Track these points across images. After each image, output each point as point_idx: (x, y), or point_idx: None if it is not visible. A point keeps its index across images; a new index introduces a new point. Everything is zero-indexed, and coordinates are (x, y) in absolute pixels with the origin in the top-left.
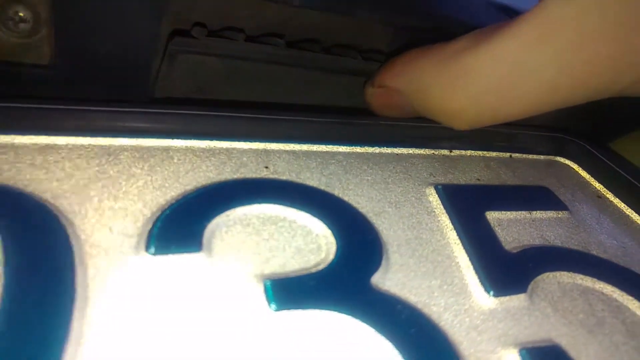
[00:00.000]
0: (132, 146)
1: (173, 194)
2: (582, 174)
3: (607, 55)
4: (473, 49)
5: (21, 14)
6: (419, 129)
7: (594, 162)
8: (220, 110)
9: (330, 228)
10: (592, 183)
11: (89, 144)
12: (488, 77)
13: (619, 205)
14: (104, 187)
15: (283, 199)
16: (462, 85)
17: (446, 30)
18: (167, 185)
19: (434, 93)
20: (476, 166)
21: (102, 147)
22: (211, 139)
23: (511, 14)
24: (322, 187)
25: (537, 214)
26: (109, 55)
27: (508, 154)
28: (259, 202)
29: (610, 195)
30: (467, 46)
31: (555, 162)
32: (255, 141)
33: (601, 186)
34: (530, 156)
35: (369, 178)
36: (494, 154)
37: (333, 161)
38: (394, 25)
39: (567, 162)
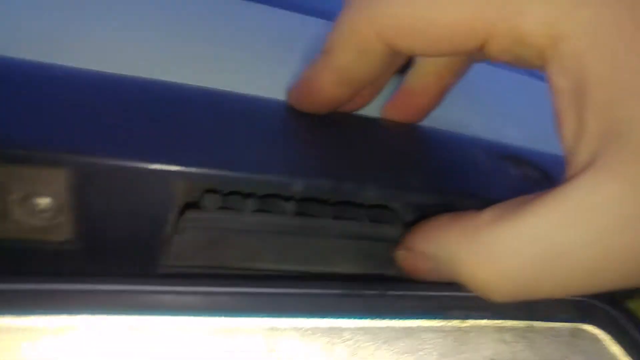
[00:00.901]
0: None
1: None
2: (611, 349)
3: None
4: (503, 222)
5: (41, 204)
6: (430, 299)
7: (624, 335)
8: (226, 284)
9: None
10: None
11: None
12: (520, 255)
13: None
14: None
15: None
16: (494, 261)
17: (458, 205)
18: None
19: (464, 265)
20: (490, 340)
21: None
22: (216, 315)
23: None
24: None
25: None
26: (121, 235)
27: (526, 323)
28: None
29: None
30: (495, 219)
31: (581, 331)
32: (261, 316)
33: None
34: (552, 324)
35: None
36: (510, 323)
37: (339, 341)
38: (402, 203)
39: (596, 330)
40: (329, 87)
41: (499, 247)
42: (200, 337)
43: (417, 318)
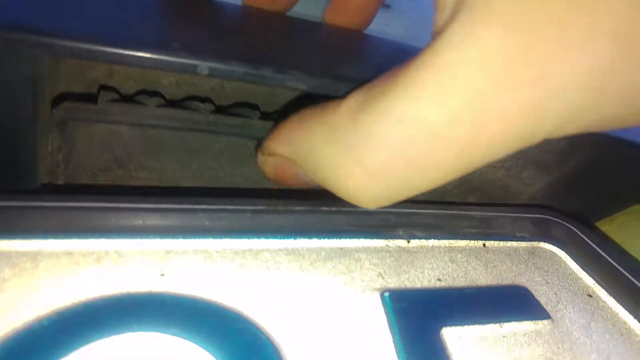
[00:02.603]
0: None
1: (19, 319)
2: (569, 265)
3: (523, 102)
4: (367, 108)
5: None
6: (370, 215)
7: (585, 250)
8: (113, 200)
9: None
10: (581, 277)
11: None
12: (389, 142)
13: (614, 308)
14: None
15: (168, 324)
16: (359, 154)
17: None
18: (15, 306)
19: (326, 165)
20: (439, 261)
21: None
22: (97, 237)
23: None
24: (233, 304)
25: (510, 327)
26: None
27: (481, 242)
28: (133, 330)
29: (603, 294)
30: (360, 105)
31: (539, 249)
32: (155, 237)
33: (593, 281)
34: (509, 243)
35: (299, 285)
36: (463, 242)
37: (255, 262)
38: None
39: (553, 248)
40: None
41: (364, 139)
42: (82, 262)
43: (354, 237)
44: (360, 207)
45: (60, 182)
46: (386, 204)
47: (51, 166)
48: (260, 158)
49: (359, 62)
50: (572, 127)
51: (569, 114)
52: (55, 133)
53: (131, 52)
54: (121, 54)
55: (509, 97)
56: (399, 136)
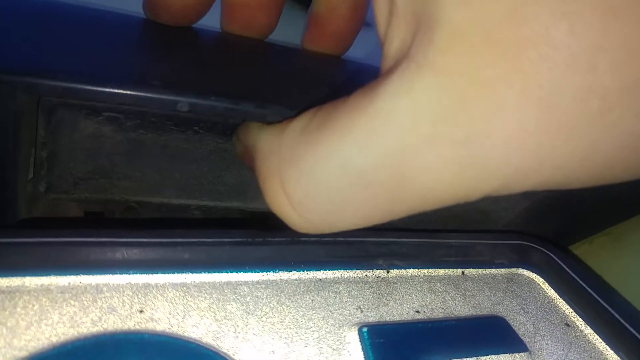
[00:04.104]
0: None
1: None
2: (547, 292)
3: (451, 160)
4: (304, 137)
5: None
6: (350, 246)
7: (562, 276)
8: (91, 234)
9: None
10: (559, 305)
11: None
12: (313, 178)
13: (591, 338)
14: None
15: None
16: (286, 182)
17: None
18: None
19: (263, 175)
20: (417, 291)
21: None
22: (76, 273)
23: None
24: (210, 341)
25: None
26: None
27: (460, 271)
28: None
29: (581, 323)
30: (300, 132)
31: (517, 275)
32: (134, 273)
33: (570, 310)
34: (487, 271)
35: (276, 320)
36: (442, 271)
37: (233, 296)
38: None
39: (531, 275)
40: None
41: (291, 169)
42: (60, 299)
43: (333, 269)
44: (339, 238)
45: (42, 189)
46: (313, 232)
47: (35, 172)
48: (234, 138)
49: (339, 92)
50: (521, 186)
51: (508, 175)
52: (41, 129)
53: (111, 90)
54: (101, 92)
55: (436, 154)
56: (323, 174)
